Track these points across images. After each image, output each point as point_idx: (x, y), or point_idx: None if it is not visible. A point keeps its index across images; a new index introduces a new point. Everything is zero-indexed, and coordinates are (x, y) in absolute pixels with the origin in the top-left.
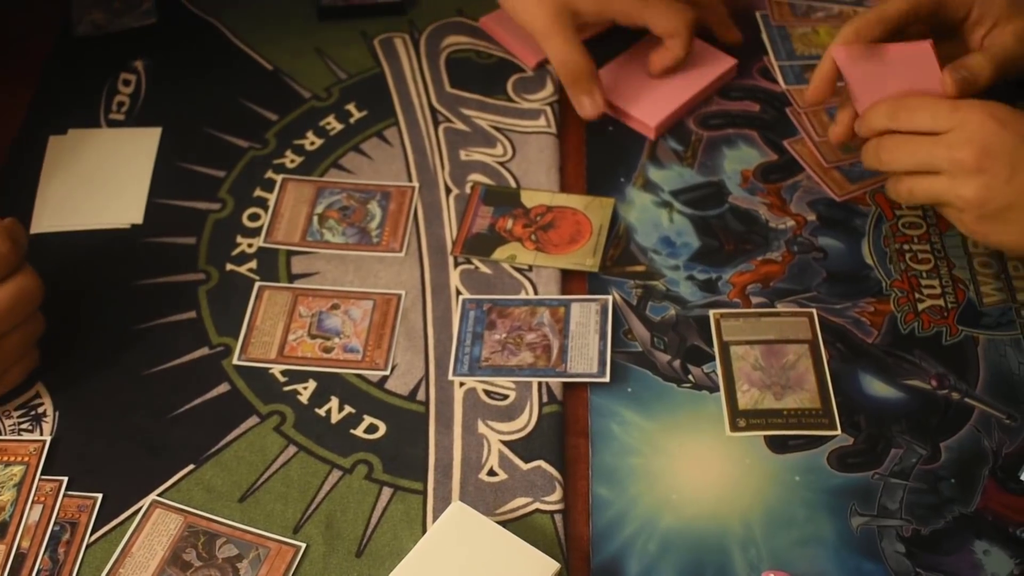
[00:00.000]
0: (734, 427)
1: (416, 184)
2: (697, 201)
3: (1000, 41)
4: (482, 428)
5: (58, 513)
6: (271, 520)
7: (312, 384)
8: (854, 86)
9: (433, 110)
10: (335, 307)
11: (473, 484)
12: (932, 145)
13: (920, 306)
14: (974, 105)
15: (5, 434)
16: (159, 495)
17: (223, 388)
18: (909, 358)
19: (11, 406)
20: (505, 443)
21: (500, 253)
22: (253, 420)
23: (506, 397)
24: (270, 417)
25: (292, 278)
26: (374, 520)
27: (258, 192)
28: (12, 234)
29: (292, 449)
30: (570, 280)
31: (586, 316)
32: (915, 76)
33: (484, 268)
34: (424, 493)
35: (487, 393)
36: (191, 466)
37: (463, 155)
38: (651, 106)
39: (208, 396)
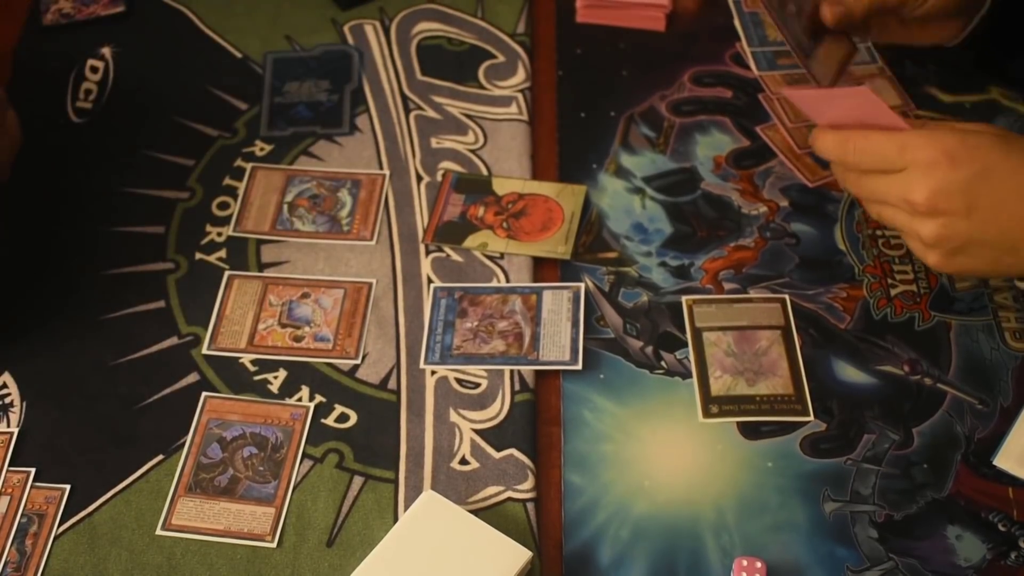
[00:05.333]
0: (707, 413)
1: (387, 172)
2: (669, 187)
3: None
4: (454, 417)
5: (25, 505)
6: None
7: (283, 373)
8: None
9: (404, 97)
10: (305, 296)
11: (445, 473)
12: (887, 185)
13: (893, 292)
14: (921, 143)
15: None
16: (128, 486)
17: (192, 378)
18: (882, 344)
19: None
20: (477, 432)
21: (472, 241)
22: None
23: (478, 386)
24: None
25: (262, 267)
26: (345, 509)
27: (227, 181)
28: None
29: None
30: (542, 267)
31: (558, 303)
32: (863, 112)
33: (456, 256)
34: (395, 482)
35: (459, 382)
36: (160, 456)
37: (434, 143)
38: None
39: (177, 386)
